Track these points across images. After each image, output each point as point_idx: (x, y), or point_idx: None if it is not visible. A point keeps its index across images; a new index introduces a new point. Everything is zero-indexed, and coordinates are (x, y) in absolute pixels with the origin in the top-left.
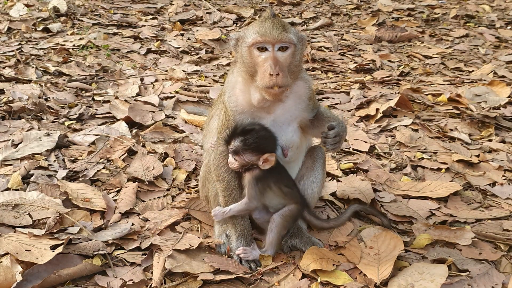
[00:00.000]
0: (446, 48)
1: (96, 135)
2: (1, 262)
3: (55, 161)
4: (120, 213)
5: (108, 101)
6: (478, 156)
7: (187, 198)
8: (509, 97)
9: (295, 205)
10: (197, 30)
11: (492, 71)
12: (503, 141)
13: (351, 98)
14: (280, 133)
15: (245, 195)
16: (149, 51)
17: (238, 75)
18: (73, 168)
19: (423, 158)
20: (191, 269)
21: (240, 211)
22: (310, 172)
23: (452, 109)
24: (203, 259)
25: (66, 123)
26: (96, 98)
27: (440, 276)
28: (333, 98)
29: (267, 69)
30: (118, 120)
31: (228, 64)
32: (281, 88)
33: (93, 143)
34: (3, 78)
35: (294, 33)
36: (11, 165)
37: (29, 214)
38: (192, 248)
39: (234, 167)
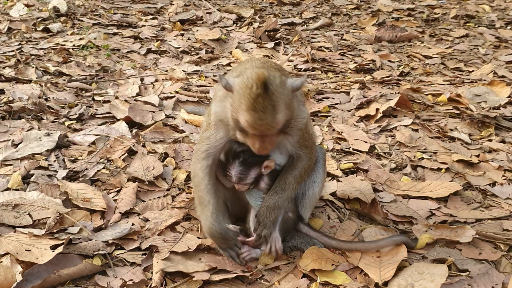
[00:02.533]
0: (446, 48)
1: (96, 135)
2: (1, 262)
3: (55, 161)
4: (120, 213)
5: (108, 101)
6: (478, 156)
7: (187, 198)
8: (509, 97)
9: (293, 214)
10: (197, 30)
11: (492, 71)
12: (503, 141)
13: (351, 98)
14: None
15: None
16: (149, 51)
17: (226, 106)
18: (73, 168)
19: (423, 158)
20: (185, 268)
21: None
22: (311, 172)
23: (452, 109)
24: (200, 259)
25: (66, 123)
26: (96, 98)
27: (440, 276)
28: (333, 98)
29: (255, 143)
30: (118, 120)
31: (229, 64)
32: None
33: (93, 143)
34: (3, 78)
35: (285, 105)
36: (11, 165)
37: (29, 214)
38: (189, 250)
39: (245, 189)
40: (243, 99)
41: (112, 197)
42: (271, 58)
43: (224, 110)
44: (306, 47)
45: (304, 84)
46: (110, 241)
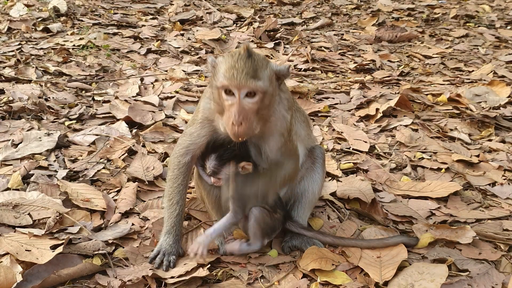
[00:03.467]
0: (446, 48)
1: (96, 135)
2: (1, 262)
3: (55, 161)
4: (120, 213)
5: (108, 101)
6: (478, 156)
7: (187, 198)
8: (509, 97)
9: (278, 214)
10: (197, 30)
11: (492, 71)
12: (503, 141)
13: (351, 98)
14: (250, 147)
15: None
16: (149, 51)
17: (211, 99)
18: (73, 168)
19: (423, 158)
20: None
21: (225, 226)
22: (310, 172)
23: (452, 109)
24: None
25: (66, 123)
26: (96, 98)
27: (440, 276)
28: (333, 98)
29: (231, 116)
30: (118, 120)
31: None
32: (244, 137)
33: (93, 143)
34: (3, 78)
35: (266, 77)
36: (11, 165)
37: (29, 214)
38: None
39: (219, 184)
40: (224, 64)
41: (112, 197)
42: (271, 58)
43: (211, 109)
44: (306, 47)
45: (288, 72)
46: (110, 241)
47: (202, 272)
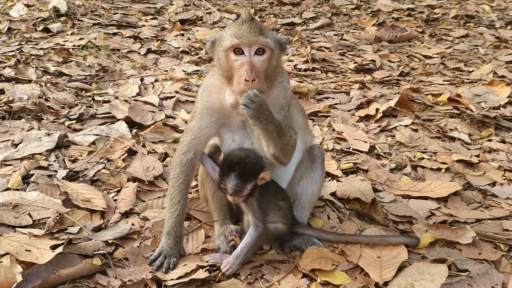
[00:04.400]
0: (446, 48)
1: (96, 135)
2: (1, 262)
3: (55, 161)
4: (120, 213)
5: (108, 101)
6: (478, 156)
7: (187, 198)
8: (509, 97)
9: (284, 225)
10: (197, 30)
11: (492, 71)
12: (503, 141)
13: (351, 98)
14: (251, 136)
15: (247, 226)
16: (149, 51)
17: (214, 76)
18: (73, 168)
19: (423, 158)
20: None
21: (251, 243)
22: (310, 172)
23: (452, 109)
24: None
25: (66, 123)
26: (96, 98)
27: (440, 276)
28: (333, 98)
29: (243, 74)
30: (118, 120)
31: None
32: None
33: (93, 143)
34: (3, 78)
35: (272, 37)
36: (11, 165)
37: (29, 214)
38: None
39: (239, 201)
40: (229, 29)
41: (112, 197)
42: None
43: (211, 93)
44: (306, 47)
45: (287, 43)
46: (110, 241)
47: (202, 274)
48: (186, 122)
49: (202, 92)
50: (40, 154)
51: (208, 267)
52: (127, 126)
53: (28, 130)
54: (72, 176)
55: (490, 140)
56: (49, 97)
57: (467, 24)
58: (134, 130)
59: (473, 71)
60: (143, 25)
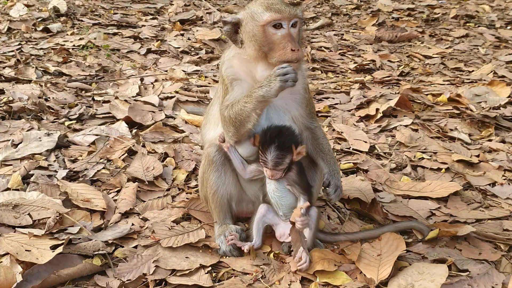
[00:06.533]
0: (446, 48)
1: (96, 135)
2: (1, 262)
3: (55, 161)
4: (120, 213)
5: (108, 101)
6: (478, 156)
7: (187, 198)
8: (509, 97)
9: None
10: (197, 30)
11: (492, 71)
12: (503, 141)
13: (351, 98)
14: (277, 119)
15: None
16: (149, 51)
17: (237, 53)
18: (73, 168)
19: (423, 158)
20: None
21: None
22: (309, 172)
23: (452, 109)
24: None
25: (66, 123)
26: (96, 98)
27: (440, 276)
28: (333, 98)
29: (287, 45)
30: (118, 120)
31: None
32: (297, 64)
33: (93, 143)
34: (3, 78)
35: (300, 10)
36: (11, 165)
37: (29, 214)
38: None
39: (278, 177)
40: (261, 6)
41: (112, 197)
42: None
43: (234, 66)
44: (306, 47)
45: (303, 14)
46: (110, 241)
47: (203, 276)
48: (186, 122)
49: (226, 68)
50: (40, 154)
51: (210, 267)
52: (127, 126)
53: (28, 130)
54: (72, 176)
55: (490, 140)
56: (49, 97)
57: (467, 24)
58: (134, 130)
59: (473, 71)
60: (143, 25)
